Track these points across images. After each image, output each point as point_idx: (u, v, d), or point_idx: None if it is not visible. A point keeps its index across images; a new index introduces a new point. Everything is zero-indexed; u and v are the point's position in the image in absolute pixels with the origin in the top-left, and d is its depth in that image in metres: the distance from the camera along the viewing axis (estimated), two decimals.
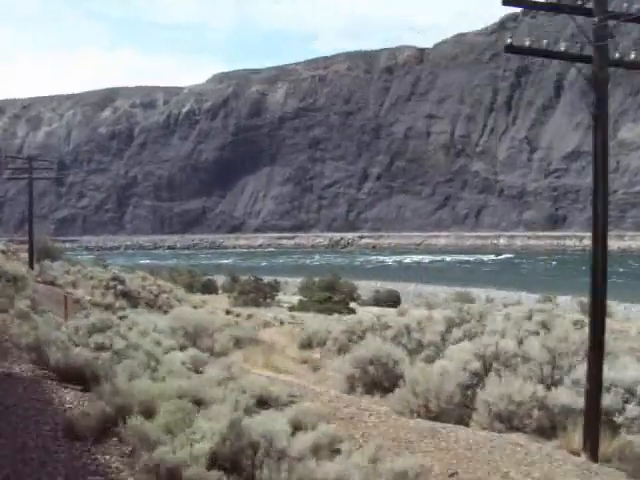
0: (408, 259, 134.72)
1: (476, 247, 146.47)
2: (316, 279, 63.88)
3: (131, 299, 23.96)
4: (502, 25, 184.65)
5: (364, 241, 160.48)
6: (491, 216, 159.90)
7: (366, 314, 48.74)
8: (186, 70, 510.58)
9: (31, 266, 31.10)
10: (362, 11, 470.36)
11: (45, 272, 27.08)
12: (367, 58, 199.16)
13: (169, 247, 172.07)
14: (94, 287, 24.44)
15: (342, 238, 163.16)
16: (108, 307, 22.58)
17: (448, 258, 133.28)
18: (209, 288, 60.33)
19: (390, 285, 79.07)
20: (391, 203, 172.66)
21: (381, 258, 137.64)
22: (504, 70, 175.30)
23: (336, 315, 45.72)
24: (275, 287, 55.98)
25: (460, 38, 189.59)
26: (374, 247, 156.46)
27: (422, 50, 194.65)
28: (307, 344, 19.24)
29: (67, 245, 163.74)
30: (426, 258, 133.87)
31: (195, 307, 26.28)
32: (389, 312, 51.61)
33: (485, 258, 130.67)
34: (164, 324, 13.96)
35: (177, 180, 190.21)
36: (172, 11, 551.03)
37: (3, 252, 42.14)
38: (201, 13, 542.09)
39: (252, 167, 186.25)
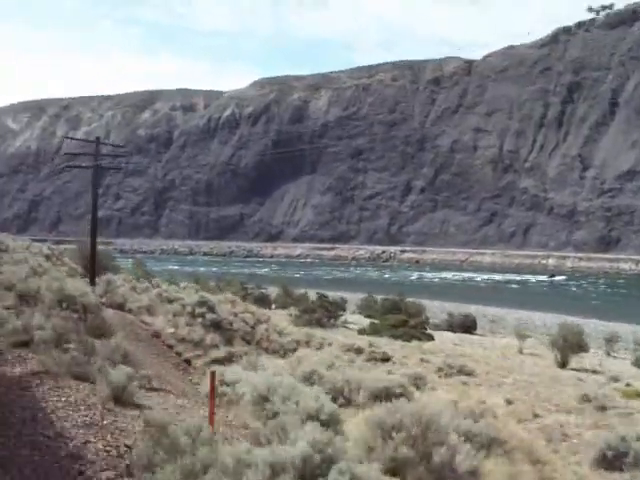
0: (454, 276, 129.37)
1: (524, 266, 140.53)
2: (378, 297, 59.21)
3: (224, 332, 19.45)
4: (554, 38, 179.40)
5: (406, 255, 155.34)
6: (539, 235, 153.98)
7: (448, 341, 44.23)
8: (222, 76, 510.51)
9: (92, 282, 26.70)
10: (402, 23, 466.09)
11: (112, 291, 22.67)
12: (413, 68, 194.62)
13: (205, 253, 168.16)
14: (176, 314, 19.97)
15: (384, 251, 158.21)
16: (198, 344, 18.09)
17: (497, 277, 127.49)
18: (263, 302, 55.88)
19: (448, 305, 74.23)
20: (434, 217, 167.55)
21: (425, 274, 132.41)
22: (555, 85, 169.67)
23: (415, 342, 41.19)
24: (341, 306, 51.25)
25: (510, 51, 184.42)
26: (417, 262, 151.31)
27: (470, 62, 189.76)
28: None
29: (102, 247, 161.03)
30: (473, 276, 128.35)
31: (307, 343, 21.70)
32: (472, 340, 47.10)
33: (534, 278, 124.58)
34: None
35: (215, 185, 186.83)
36: (209, 18, 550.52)
37: (47, 257, 37.84)
38: (238, 20, 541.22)
39: (292, 175, 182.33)
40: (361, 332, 44.52)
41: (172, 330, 19.34)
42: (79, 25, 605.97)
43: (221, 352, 18.12)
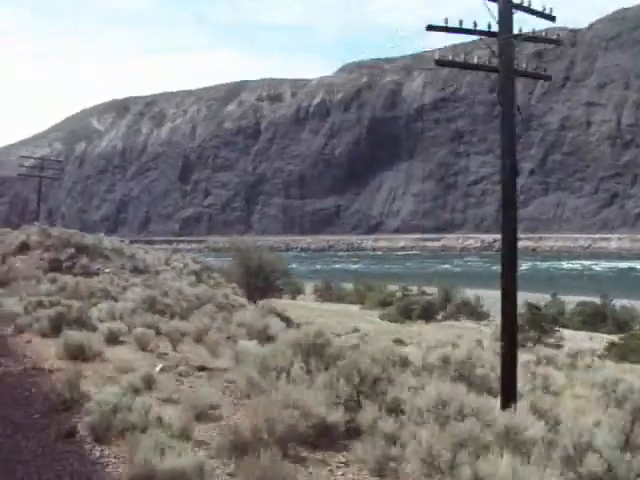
0: (580, 265, 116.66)
1: None
2: (572, 302, 48.87)
3: None
4: None
5: (521, 243, 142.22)
6: None
7: None
8: (298, 67, 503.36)
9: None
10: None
11: None
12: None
13: (302, 249, 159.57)
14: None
15: (495, 240, 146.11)
16: None
17: (629, 264, 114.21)
18: (428, 313, 46.27)
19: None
20: (547, 201, 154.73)
21: (550, 263, 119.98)
22: None
23: None
24: (556, 319, 41.09)
25: (621, 14, 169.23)
26: (533, 250, 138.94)
27: (575, 31, 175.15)
28: None
29: (194, 246, 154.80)
30: (609, 265, 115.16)
31: None
32: None
33: None
34: None
35: (308, 177, 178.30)
36: (279, 12, 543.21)
37: (196, 274, 29.14)
38: (308, 13, 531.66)
39: (389, 162, 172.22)
40: (601, 356, 34.17)
41: None
42: (154, 26, 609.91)
43: None
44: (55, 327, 12.34)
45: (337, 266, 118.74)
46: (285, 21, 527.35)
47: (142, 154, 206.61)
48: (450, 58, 11.65)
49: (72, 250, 25.89)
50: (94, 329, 12.25)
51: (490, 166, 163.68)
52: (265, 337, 13.26)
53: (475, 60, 11.46)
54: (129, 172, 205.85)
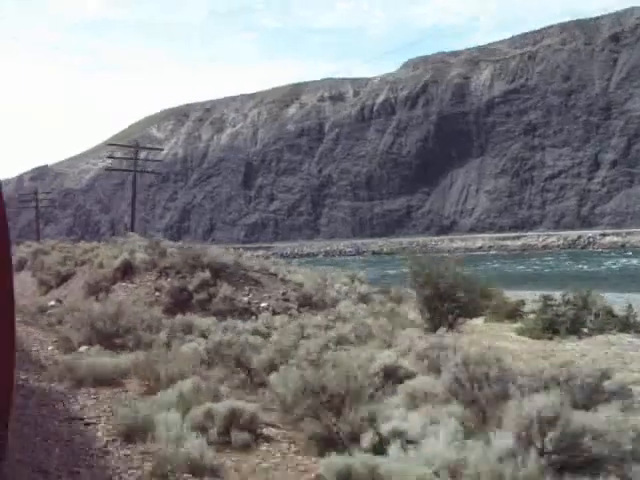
0: None
1: None
2: None
3: None
4: None
5: (608, 239, 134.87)
6: None
7: None
8: (356, 68, 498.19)
9: None
10: None
11: None
12: (584, 27, 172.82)
13: (374, 252, 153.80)
14: None
15: (580, 237, 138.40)
16: None
17: None
18: (574, 327, 39.95)
19: None
20: (632, 193, 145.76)
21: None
22: None
23: None
24: None
25: None
26: (622, 246, 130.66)
27: None
28: None
29: (261, 252, 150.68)
30: None
31: None
32: None
33: None
34: None
35: (376, 177, 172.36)
36: (325, 17, 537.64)
37: (364, 298, 23.76)
38: (354, 16, 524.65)
39: (459, 159, 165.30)
40: None
41: None
42: (204, 38, 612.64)
43: None
44: None
45: None
46: (333, 24, 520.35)
47: (203, 161, 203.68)
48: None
49: (206, 274, 19.74)
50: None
51: (568, 158, 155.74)
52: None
53: None
54: (191, 179, 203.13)
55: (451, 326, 20.72)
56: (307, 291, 18.31)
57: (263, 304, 17.74)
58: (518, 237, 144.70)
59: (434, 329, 19.78)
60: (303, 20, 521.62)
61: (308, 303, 17.98)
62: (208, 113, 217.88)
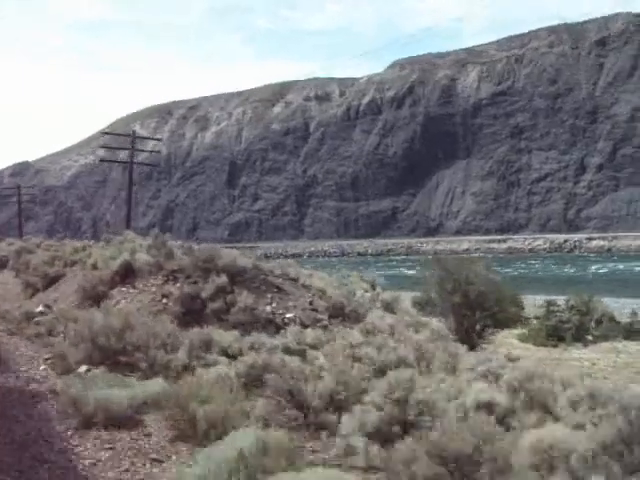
0: None
1: None
2: None
3: None
4: None
5: (595, 243, 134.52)
6: None
7: None
8: (343, 68, 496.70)
9: None
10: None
11: None
12: (572, 31, 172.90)
13: (359, 253, 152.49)
14: None
15: (566, 240, 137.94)
16: None
17: None
18: (579, 333, 38.67)
19: None
20: (618, 198, 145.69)
21: (632, 264, 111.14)
22: None
23: None
24: None
25: None
26: (608, 250, 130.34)
27: None
28: None
29: (246, 253, 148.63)
30: None
31: None
32: None
33: None
34: None
35: (362, 178, 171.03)
36: (316, 18, 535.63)
37: (388, 305, 22.27)
38: (342, 17, 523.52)
39: (446, 161, 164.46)
40: None
41: None
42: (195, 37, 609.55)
43: None
44: None
45: (410, 272, 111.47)
46: (322, 25, 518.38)
47: (187, 159, 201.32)
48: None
49: (222, 279, 17.18)
50: None
51: (555, 162, 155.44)
52: None
53: None
54: (174, 178, 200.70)
55: (480, 337, 19.40)
56: (337, 300, 16.60)
57: (289, 315, 15.71)
58: (504, 240, 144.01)
59: (462, 340, 18.54)
60: (292, 22, 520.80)
61: (339, 314, 16.32)
62: (192, 111, 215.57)
